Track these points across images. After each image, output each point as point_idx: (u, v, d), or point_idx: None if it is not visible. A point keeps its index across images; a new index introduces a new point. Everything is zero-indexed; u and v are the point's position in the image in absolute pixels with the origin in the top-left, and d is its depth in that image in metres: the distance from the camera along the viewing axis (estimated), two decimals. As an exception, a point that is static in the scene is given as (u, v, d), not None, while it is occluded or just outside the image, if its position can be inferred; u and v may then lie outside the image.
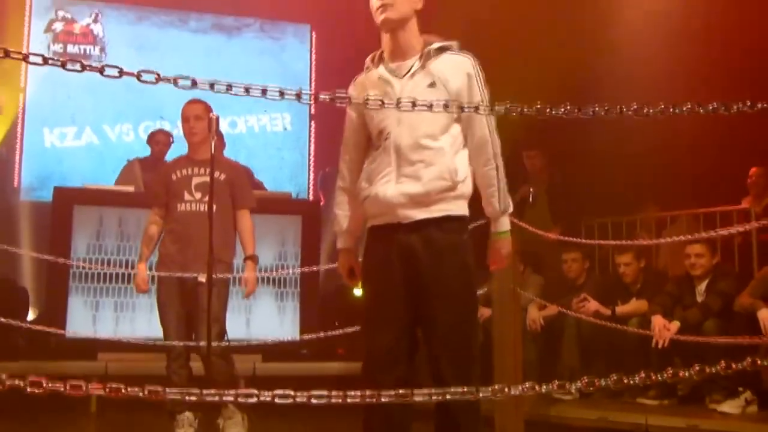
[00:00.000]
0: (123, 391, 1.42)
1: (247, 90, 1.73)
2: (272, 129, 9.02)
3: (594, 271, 6.06)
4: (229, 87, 1.69)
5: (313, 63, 9.15)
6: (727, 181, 6.37)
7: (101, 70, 1.52)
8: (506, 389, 1.70)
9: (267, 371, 5.56)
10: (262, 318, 6.01)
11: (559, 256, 5.80)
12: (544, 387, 1.72)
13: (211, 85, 1.72)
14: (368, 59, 2.74)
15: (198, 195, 4.25)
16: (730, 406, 4.59)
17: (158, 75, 1.57)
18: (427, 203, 2.56)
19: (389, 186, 2.58)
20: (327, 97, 2.01)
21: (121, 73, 1.53)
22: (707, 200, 6.24)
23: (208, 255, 3.71)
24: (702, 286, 5.04)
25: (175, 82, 1.59)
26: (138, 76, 1.56)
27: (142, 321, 5.82)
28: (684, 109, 1.78)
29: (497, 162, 2.63)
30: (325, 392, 1.55)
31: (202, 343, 3.96)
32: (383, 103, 2.01)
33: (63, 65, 1.50)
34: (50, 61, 1.48)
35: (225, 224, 4.29)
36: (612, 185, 6.92)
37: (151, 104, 8.28)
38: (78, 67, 1.51)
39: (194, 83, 1.63)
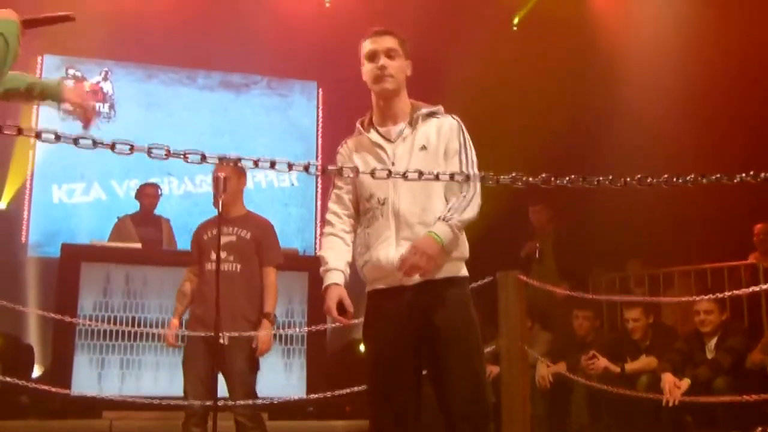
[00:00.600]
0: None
1: (255, 163, 1.76)
2: (279, 185, 9.07)
3: (602, 327, 6.04)
4: (238, 160, 1.71)
5: (320, 119, 9.24)
6: (732, 236, 6.38)
7: (112, 147, 1.56)
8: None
9: (274, 429, 5.45)
10: (269, 375, 5.91)
11: (568, 313, 5.78)
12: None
13: (220, 159, 1.74)
14: (358, 123, 2.81)
15: (224, 254, 4.28)
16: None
17: (168, 150, 1.60)
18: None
19: (390, 250, 2.61)
20: (334, 169, 2.07)
21: (132, 149, 1.55)
22: (714, 255, 6.24)
23: (215, 314, 3.70)
24: (712, 343, 5.03)
25: (185, 157, 1.62)
26: (149, 152, 1.59)
27: (148, 379, 5.81)
28: (688, 178, 1.85)
29: (470, 203, 2.61)
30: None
31: (208, 403, 3.98)
32: (390, 173, 2.04)
33: (75, 142, 1.54)
34: (62, 138, 1.52)
35: (251, 283, 4.33)
36: (618, 240, 6.95)
37: (158, 161, 8.29)
38: (90, 143, 1.54)
39: (203, 158, 1.66)
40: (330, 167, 1.95)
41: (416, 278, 2.57)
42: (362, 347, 5.00)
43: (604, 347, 5.42)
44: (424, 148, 2.66)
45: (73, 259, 5.95)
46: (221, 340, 4.02)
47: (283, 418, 5.71)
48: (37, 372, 6.85)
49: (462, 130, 2.73)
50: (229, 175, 4.25)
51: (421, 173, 1.97)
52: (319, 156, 9.05)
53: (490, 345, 4.25)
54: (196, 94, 8.96)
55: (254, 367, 4.27)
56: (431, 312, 2.56)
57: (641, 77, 7.45)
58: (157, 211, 7.17)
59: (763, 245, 6.18)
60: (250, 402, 4.18)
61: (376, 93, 2.74)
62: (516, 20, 8.60)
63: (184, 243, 7.04)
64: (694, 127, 7.03)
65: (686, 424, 4.87)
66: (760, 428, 4.31)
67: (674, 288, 6.29)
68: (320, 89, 9.28)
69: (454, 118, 2.76)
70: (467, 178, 2.53)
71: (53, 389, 4.56)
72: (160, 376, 5.86)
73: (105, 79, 8.71)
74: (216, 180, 4.27)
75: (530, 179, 1.82)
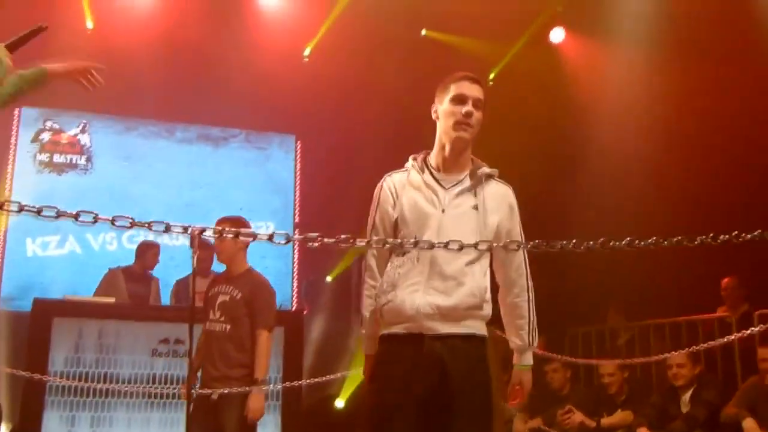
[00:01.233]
0: None
1: (236, 235, 1.76)
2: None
3: (579, 381, 6.06)
4: (202, 231, 1.73)
5: (298, 172, 9.26)
6: (706, 290, 6.47)
7: (76, 217, 1.58)
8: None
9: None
10: None
11: (544, 366, 5.80)
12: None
13: (201, 232, 1.81)
14: (411, 160, 2.78)
15: (218, 314, 4.29)
16: None
17: (132, 220, 1.62)
18: (455, 318, 2.57)
19: (417, 296, 2.57)
20: (316, 243, 2.05)
21: (96, 219, 1.58)
22: (689, 308, 6.32)
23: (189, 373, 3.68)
24: (686, 396, 5.06)
25: (149, 226, 1.64)
26: (113, 222, 1.61)
27: (118, 436, 5.72)
28: (650, 241, 1.90)
29: (530, 294, 2.69)
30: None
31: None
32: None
33: (39, 212, 1.56)
34: (25, 208, 1.54)
35: (240, 345, 4.30)
36: (594, 293, 7.02)
37: (136, 212, 8.25)
38: (53, 213, 1.57)
39: (168, 228, 1.68)
40: (310, 238, 1.97)
41: (439, 329, 2.55)
42: (342, 399, 4.94)
43: (580, 402, 5.42)
44: (476, 207, 2.66)
45: (45, 314, 5.87)
46: (213, 396, 4.06)
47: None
48: (4, 430, 6.71)
49: (515, 200, 2.76)
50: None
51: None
52: (297, 209, 9.06)
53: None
54: (174, 147, 8.96)
55: (248, 428, 4.23)
56: (450, 365, 2.53)
57: (612, 132, 7.63)
58: (128, 263, 7.12)
59: (731, 299, 6.27)
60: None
61: (449, 139, 2.70)
62: (492, 75, 8.77)
63: (163, 298, 7.12)
64: (662, 184, 7.25)
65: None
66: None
67: (649, 341, 6.32)
68: (298, 142, 9.31)
69: (509, 187, 2.78)
70: (512, 244, 2.55)
71: (20, 447, 4.47)
72: (131, 433, 5.78)
73: (83, 131, 8.69)
74: (208, 242, 4.33)
75: (498, 245, 1.80)
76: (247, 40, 8.19)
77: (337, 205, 8.40)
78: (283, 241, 1.99)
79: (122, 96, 8.08)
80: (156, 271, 7.23)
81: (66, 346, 5.84)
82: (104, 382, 5.58)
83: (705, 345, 3.88)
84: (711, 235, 2.04)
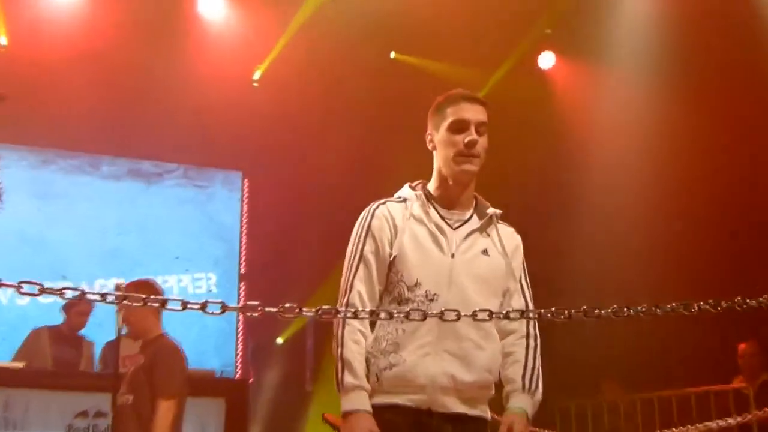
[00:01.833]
0: None
1: (163, 303, 1.78)
2: (194, 291, 8.87)
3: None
4: (145, 301, 1.73)
5: (245, 215, 9.22)
6: (717, 358, 6.52)
7: None
8: None
9: None
10: None
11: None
12: None
13: (122, 298, 1.76)
14: (408, 190, 2.79)
15: (125, 386, 4.36)
16: None
17: (42, 287, 1.55)
18: (470, 396, 2.60)
19: (429, 361, 2.56)
20: (256, 313, 2.01)
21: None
22: (699, 378, 6.36)
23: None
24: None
25: (61, 293, 1.58)
26: (18, 289, 1.54)
27: None
28: (639, 309, 1.90)
29: (532, 342, 2.71)
30: None
31: None
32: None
33: None
34: None
35: (141, 417, 4.32)
36: (590, 362, 7.01)
37: (52, 260, 8.19)
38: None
39: (83, 294, 1.62)
40: (250, 305, 1.93)
41: (451, 407, 2.56)
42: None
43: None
44: (486, 252, 2.70)
45: (-60, 382, 5.72)
46: None
47: None
48: None
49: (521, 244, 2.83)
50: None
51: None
52: (243, 258, 9.00)
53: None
54: (99, 183, 8.86)
55: None
56: None
57: (607, 170, 7.88)
58: (42, 321, 6.98)
59: (747, 367, 6.31)
60: None
61: (452, 172, 2.71)
62: None
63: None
64: (661, 234, 7.36)
65: None
66: None
67: (654, 416, 6.31)
68: (246, 180, 9.28)
69: (516, 233, 2.84)
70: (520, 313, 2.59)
71: None
72: None
73: (-9, 164, 8.55)
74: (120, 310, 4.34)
75: (472, 315, 1.93)
76: (188, 61, 8.20)
77: (290, 253, 8.51)
78: (218, 311, 1.94)
79: (39, 124, 8.08)
80: (89, 331, 7.08)
81: (-36, 420, 5.67)
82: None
83: (720, 422, 3.84)
84: (710, 301, 2.01)
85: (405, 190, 2.78)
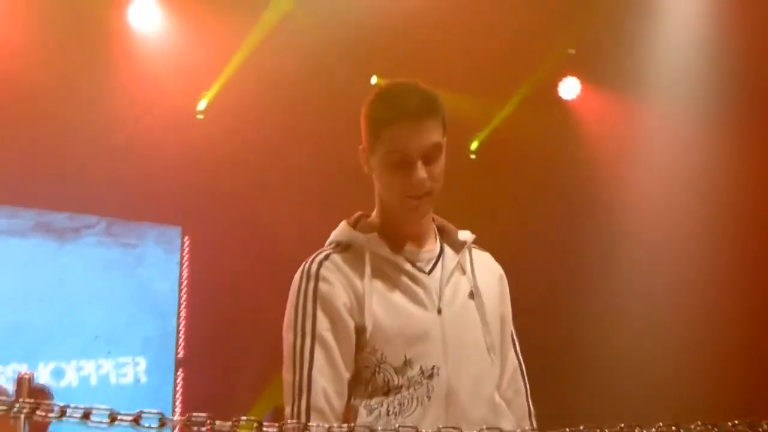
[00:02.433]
0: None
1: (86, 415, 1.89)
2: (118, 381, 8.48)
3: None
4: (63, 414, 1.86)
5: (185, 281, 8.91)
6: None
7: None
8: None
9: None
10: None
11: None
12: None
13: (33, 410, 1.88)
14: (349, 230, 2.66)
15: None
16: None
17: None
18: None
19: None
20: (204, 428, 1.96)
21: None
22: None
23: None
24: None
25: None
26: None
27: None
28: (693, 427, 1.97)
29: (527, 388, 2.77)
30: None
31: None
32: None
33: None
34: None
35: None
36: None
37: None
38: None
39: None
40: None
41: None
42: None
43: None
44: (471, 295, 2.64)
45: None
46: None
47: None
48: None
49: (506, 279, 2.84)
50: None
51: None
52: (182, 338, 8.71)
53: None
54: (-2, 240, 8.55)
55: None
56: None
57: (644, 225, 7.93)
58: None
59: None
60: None
61: (399, 211, 2.60)
62: (474, 144, 8.85)
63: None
64: (707, 303, 7.44)
65: None
66: None
67: None
68: (186, 237, 8.95)
69: (493, 259, 2.83)
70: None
71: None
72: None
73: None
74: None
75: None
76: (112, 85, 7.99)
77: (242, 330, 8.35)
78: (155, 425, 1.92)
79: None
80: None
81: None
82: None
83: None
84: (748, 421, 2.05)
85: (345, 232, 2.66)
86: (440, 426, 2.23)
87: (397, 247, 2.62)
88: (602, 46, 8.14)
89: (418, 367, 2.50)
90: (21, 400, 1.94)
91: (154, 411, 1.92)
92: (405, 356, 2.49)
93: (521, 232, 7.54)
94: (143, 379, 8.56)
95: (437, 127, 2.56)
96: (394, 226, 2.64)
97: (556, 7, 7.87)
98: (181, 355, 8.68)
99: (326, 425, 2.14)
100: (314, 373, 2.45)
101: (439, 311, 2.56)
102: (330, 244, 2.65)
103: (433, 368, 2.50)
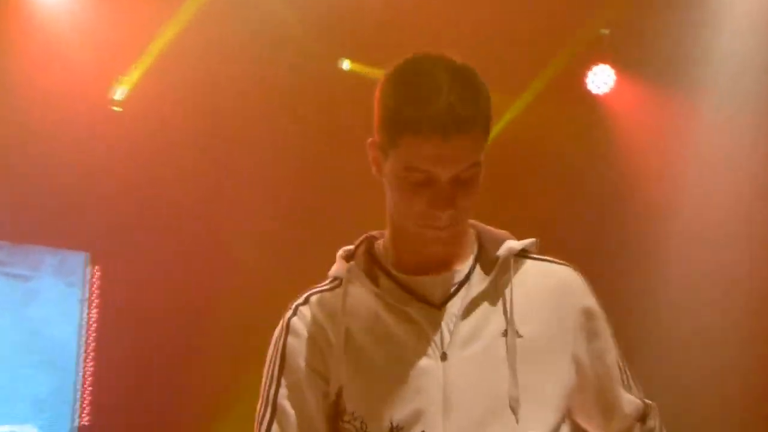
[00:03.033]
0: None
1: None
2: None
3: None
4: None
5: (93, 322, 8.51)
6: None
7: None
8: None
9: None
10: None
11: None
12: None
13: None
14: (338, 258, 2.61)
15: None
16: None
17: None
18: None
19: None
20: None
21: None
22: None
23: None
24: None
25: None
26: None
27: None
28: None
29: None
30: None
31: None
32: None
33: None
34: None
35: None
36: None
37: None
38: None
39: None
40: None
41: None
42: None
43: None
44: (518, 334, 2.44)
45: None
46: None
47: None
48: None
49: (589, 288, 2.63)
50: None
51: None
52: (85, 399, 8.33)
53: None
54: None
55: None
56: None
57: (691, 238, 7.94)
58: None
59: None
60: None
61: (412, 237, 2.47)
62: None
63: None
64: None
65: None
66: None
67: None
68: (95, 267, 8.56)
69: (569, 269, 2.61)
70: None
71: None
72: None
73: None
74: None
75: None
76: (4, 68, 7.80)
77: (162, 390, 8.27)
78: None
79: None
80: None
81: None
82: None
83: None
84: None
85: (336, 263, 2.62)
86: None
87: (393, 271, 2.50)
88: (643, 27, 8.06)
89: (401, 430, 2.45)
90: None
91: None
92: (391, 422, 2.41)
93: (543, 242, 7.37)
94: (40, 436, 8.38)
95: (478, 140, 2.34)
96: (407, 249, 2.50)
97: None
98: (82, 422, 8.39)
99: None
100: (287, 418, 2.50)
101: (444, 357, 2.42)
102: (328, 278, 2.61)
103: None
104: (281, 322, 2.58)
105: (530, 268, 2.54)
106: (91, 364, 8.40)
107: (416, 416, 2.40)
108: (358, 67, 8.44)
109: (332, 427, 2.48)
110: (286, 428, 2.49)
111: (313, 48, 8.08)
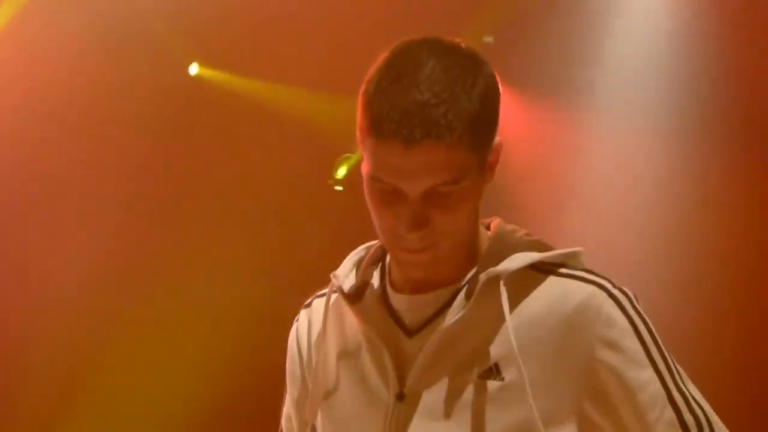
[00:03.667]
0: None
1: None
2: None
3: None
4: None
5: None
6: None
7: None
8: None
9: None
10: None
11: None
12: None
13: None
14: (343, 269, 2.35)
15: None
16: None
17: None
18: None
19: None
20: None
21: None
22: None
23: None
24: None
25: None
26: None
27: None
28: None
29: None
30: None
31: None
32: None
33: None
34: None
35: None
36: None
37: None
38: None
39: None
40: None
41: None
42: None
43: None
44: (492, 373, 2.14)
45: None
46: None
47: None
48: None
49: (634, 314, 2.10)
50: None
51: None
52: None
53: None
54: None
55: None
56: None
57: None
58: None
59: None
60: None
61: (392, 258, 2.27)
62: (341, 173, 8.81)
63: None
64: None
65: None
66: None
67: None
68: None
69: (594, 288, 2.10)
70: None
71: None
72: None
73: None
74: None
75: None
76: None
77: None
78: None
79: None
80: None
81: None
82: None
83: None
84: None
85: (341, 268, 2.36)
86: None
87: (396, 287, 2.28)
88: (527, 36, 7.80)
89: None
90: None
91: None
92: None
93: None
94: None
95: (459, 150, 2.00)
96: (393, 262, 2.32)
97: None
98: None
99: None
100: None
101: (400, 397, 2.19)
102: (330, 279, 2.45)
103: None
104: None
105: (549, 287, 2.17)
106: None
107: None
108: (211, 73, 8.17)
109: None
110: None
111: (145, 45, 7.73)
